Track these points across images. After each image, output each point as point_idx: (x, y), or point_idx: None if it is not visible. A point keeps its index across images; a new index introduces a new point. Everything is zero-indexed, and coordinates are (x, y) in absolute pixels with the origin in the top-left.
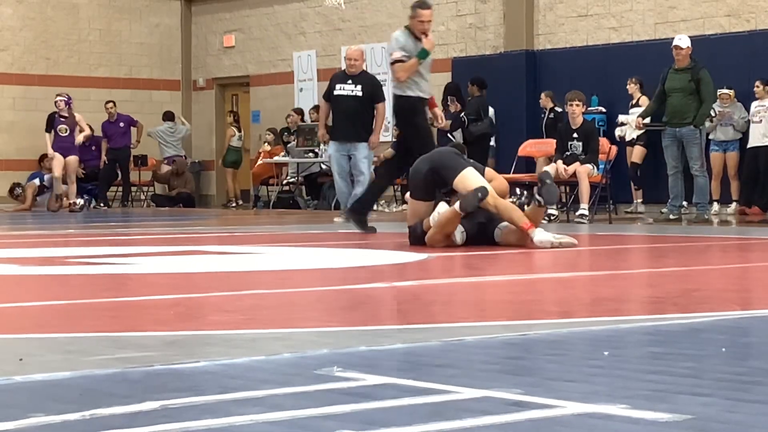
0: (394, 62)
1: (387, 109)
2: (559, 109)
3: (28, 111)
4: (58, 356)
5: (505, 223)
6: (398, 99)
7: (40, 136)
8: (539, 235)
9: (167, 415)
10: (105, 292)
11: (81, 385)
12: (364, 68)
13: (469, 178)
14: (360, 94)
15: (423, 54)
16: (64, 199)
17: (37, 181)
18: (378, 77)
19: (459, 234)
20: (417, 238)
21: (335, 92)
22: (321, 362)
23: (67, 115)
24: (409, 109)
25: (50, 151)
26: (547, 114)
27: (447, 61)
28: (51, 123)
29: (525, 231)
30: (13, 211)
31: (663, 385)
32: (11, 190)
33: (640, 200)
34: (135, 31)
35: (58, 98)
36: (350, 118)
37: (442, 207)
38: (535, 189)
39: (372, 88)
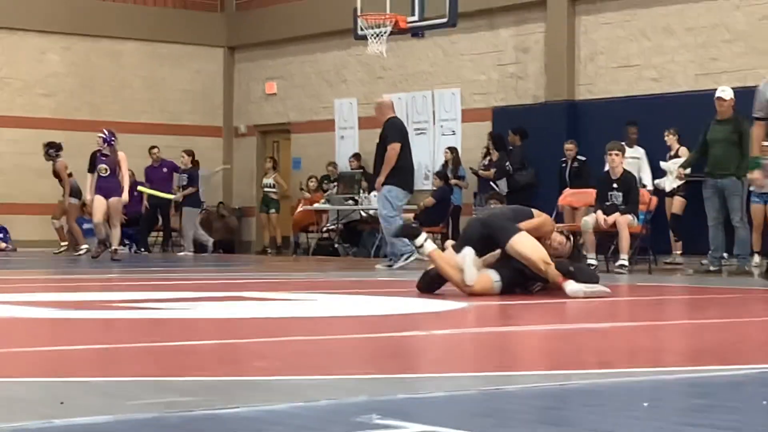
0: (754, 119)
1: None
2: (583, 158)
3: (72, 156)
4: (99, 400)
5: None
6: None
7: (82, 181)
8: (571, 286)
9: None
10: (146, 336)
11: (121, 429)
12: (392, 116)
13: (523, 244)
14: (378, 141)
15: (752, 164)
16: (110, 245)
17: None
18: (418, 125)
19: (497, 285)
20: (427, 283)
21: None
22: (360, 409)
23: (108, 153)
24: None
25: (88, 196)
26: (570, 163)
27: (488, 110)
28: (93, 162)
29: (560, 285)
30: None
31: None
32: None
33: (679, 252)
34: (178, 78)
35: (98, 136)
36: (375, 166)
37: (469, 253)
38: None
39: (385, 131)
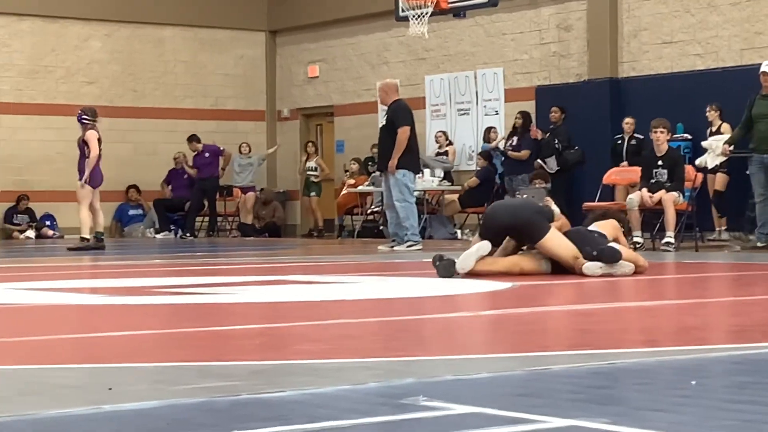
0: None
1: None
2: (640, 136)
3: (115, 143)
4: (146, 386)
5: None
6: None
7: (126, 168)
8: (587, 264)
9: None
10: (192, 321)
11: (169, 414)
12: (397, 98)
13: (555, 243)
14: (384, 123)
15: None
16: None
17: None
18: (461, 106)
19: (546, 264)
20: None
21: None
22: (407, 391)
23: (81, 132)
24: None
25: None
26: (627, 140)
27: (530, 89)
28: None
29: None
30: None
31: (751, 414)
32: None
33: (723, 227)
34: (220, 63)
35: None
36: (381, 149)
37: (483, 246)
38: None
39: (393, 114)
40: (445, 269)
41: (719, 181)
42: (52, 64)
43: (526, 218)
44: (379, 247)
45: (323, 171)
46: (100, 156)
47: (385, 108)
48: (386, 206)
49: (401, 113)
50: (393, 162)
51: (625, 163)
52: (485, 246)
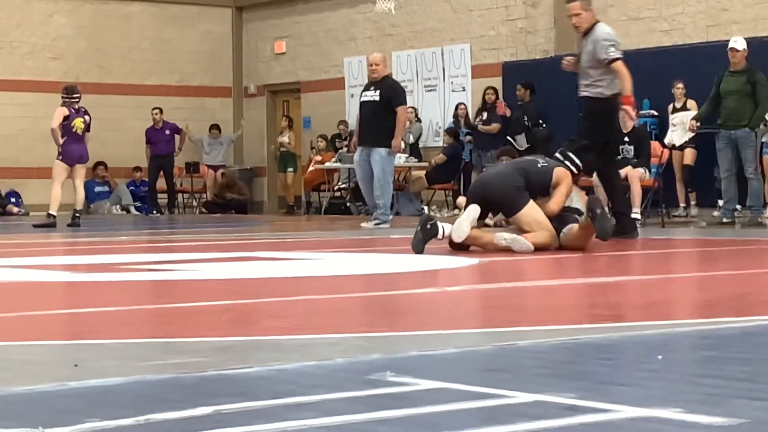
0: (614, 60)
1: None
2: None
3: None
4: (112, 362)
5: (569, 226)
6: (600, 101)
7: (93, 144)
8: (498, 233)
9: (220, 420)
10: (157, 298)
11: (135, 390)
12: (388, 73)
13: (528, 219)
14: (377, 99)
15: None
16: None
17: None
18: (428, 82)
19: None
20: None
21: (361, 99)
22: (373, 367)
23: None
24: (610, 110)
25: None
26: None
27: (497, 65)
28: None
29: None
30: None
31: (718, 389)
32: None
33: (693, 202)
34: (186, 39)
35: None
36: (368, 123)
37: (472, 209)
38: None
39: (390, 92)
40: (418, 245)
41: (688, 156)
42: (17, 40)
43: (499, 192)
44: (363, 225)
45: (291, 147)
46: (79, 134)
47: (373, 81)
48: (361, 180)
49: (400, 91)
50: (396, 141)
51: None
52: (474, 209)
